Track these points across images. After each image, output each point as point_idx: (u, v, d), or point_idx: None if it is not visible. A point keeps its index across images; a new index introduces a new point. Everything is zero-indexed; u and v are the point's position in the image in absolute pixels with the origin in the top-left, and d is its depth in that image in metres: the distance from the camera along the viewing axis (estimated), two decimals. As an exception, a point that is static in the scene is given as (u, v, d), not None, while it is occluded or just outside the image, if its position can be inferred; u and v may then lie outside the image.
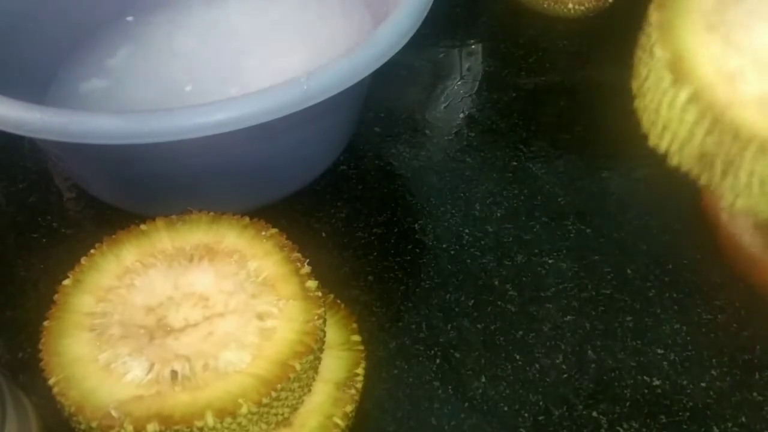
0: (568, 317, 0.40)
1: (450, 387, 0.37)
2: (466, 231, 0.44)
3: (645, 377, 0.37)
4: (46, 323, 0.30)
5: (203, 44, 0.50)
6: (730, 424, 0.36)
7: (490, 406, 0.36)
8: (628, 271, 0.42)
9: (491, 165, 0.48)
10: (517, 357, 0.38)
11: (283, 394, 0.29)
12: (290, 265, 0.32)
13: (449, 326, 0.39)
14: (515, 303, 0.40)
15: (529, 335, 0.39)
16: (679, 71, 0.26)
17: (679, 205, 0.44)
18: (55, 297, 0.31)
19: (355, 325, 0.35)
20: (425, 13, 0.38)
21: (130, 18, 0.50)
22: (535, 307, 0.40)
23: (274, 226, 0.33)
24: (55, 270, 0.33)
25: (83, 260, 0.32)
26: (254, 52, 0.49)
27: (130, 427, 0.27)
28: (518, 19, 0.57)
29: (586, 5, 0.55)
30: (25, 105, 0.34)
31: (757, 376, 0.37)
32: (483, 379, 0.37)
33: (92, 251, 0.33)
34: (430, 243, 0.43)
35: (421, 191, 0.46)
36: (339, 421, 0.32)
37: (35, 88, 0.45)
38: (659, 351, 0.38)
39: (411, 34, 0.37)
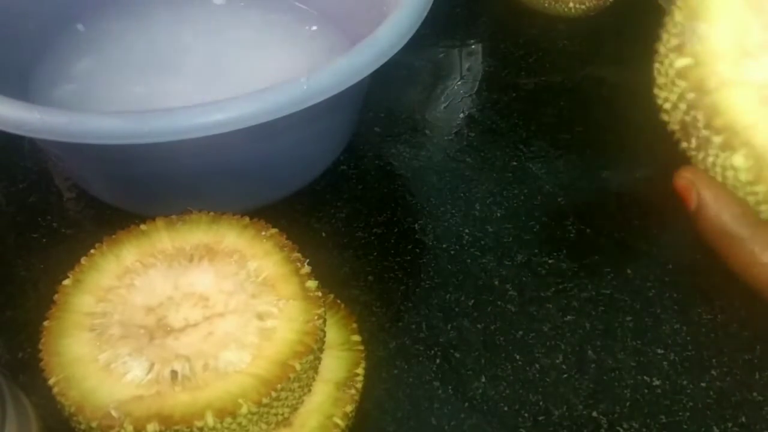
0: (568, 317, 0.40)
1: (450, 387, 0.37)
2: (466, 231, 0.44)
3: (645, 377, 0.37)
4: (46, 323, 0.30)
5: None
6: (730, 424, 0.36)
7: (490, 406, 0.36)
8: (628, 271, 0.42)
9: (491, 165, 0.48)
10: (517, 357, 0.38)
11: (283, 394, 0.29)
12: (290, 265, 0.32)
13: (449, 326, 0.39)
14: (515, 303, 0.40)
15: (529, 335, 0.39)
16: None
17: (679, 205, 0.44)
18: (55, 297, 0.31)
19: (355, 325, 0.35)
20: (425, 13, 0.38)
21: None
22: (535, 307, 0.40)
23: (274, 226, 0.33)
24: (55, 270, 0.33)
25: (83, 260, 0.32)
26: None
27: (130, 427, 0.27)
28: (518, 19, 0.57)
29: (587, 5, 0.55)
30: (25, 105, 0.33)
31: (757, 376, 0.37)
32: (483, 379, 0.37)
33: (92, 251, 0.33)
34: (430, 243, 0.43)
35: (421, 191, 0.46)
36: (339, 421, 0.32)
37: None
38: (659, 351, 0.38)
39: (411, 34, 0.37)
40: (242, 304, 0.31)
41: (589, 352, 0.38)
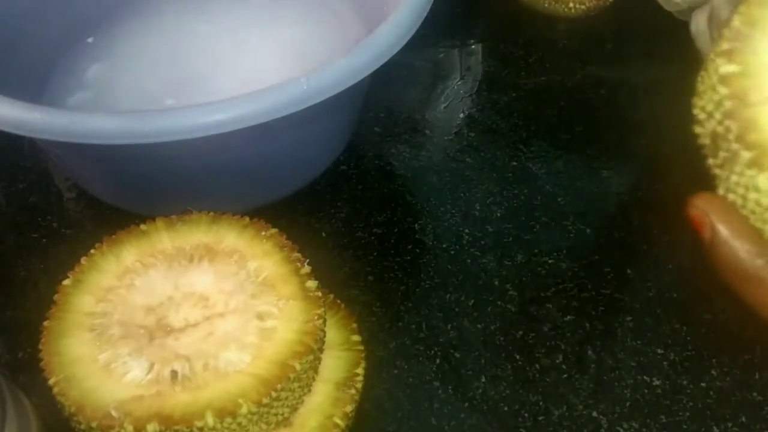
0: (568, 317, 0.40)
1: (450, 387, 0.37)
2: (466, 231, 0.44)
3: (645, 377, 0.37)
4: (46, 323, 0.30)
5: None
6: (730, 424, 0.36)
7: (490, 406, 0.36)
8: (628, 271, 0.42)
9: (491, 165, 0.48)
10: (517, 357, 0.38)
11: (283, 394, 0.29)
12: (290, 265, 0.32)
13: (449, 326, 0.39)
14: (515, 303, 0.40)
15: (529, 335, 0.39)
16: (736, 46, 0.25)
17: (679, 206, 0.44)
18: (55, 297, 0.31)
19: (355, 325, 0.35)
20: (425, 13, 0.38)
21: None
22: (535, 307, 0.40)
23: (274, 226, 0.33)
24: (55, 270, 0.33)
25: (83, 260, 0.32)
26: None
27: (130, 427, 0.27)
28: (518, 19, 0.57)
29: (587, 4, 0.55)
30: (26, 105, 0.34)
31: (757, 376, 0.37)
32: (483, 379, 0.37)
33: (92, 251, 0.33)
34: (430, 243, 0.43)
35: (421, 191, 0.46)
36: (339, 421, 0.32)
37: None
38: (659, 351, 0.38)
39: (411, 34, 0.37)
40: (242, 304, 0.31)
41: (589, 352, 0.38)
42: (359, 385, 0.33)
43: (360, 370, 0.34)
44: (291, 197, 0.44)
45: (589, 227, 0.44)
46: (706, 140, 0.26)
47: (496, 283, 0.41)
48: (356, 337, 0.35)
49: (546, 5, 0.56)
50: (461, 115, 0.51)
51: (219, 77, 0.47)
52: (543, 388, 0.37)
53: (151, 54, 0.49)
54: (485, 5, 0.59)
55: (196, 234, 0.33)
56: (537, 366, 0.38)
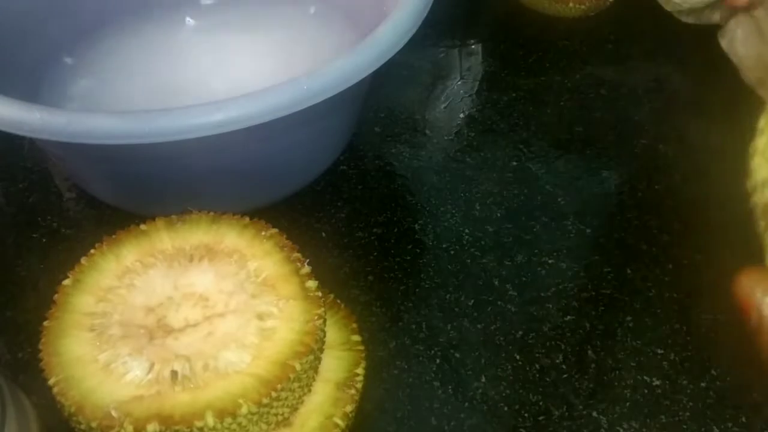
0: (568, 317, 0.40)
1: (450, 387, 0.37)
2: (466, 231, 0.44)
3: (645, 377, 0.37)
4: (46, 323, 0.30)
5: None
6: (730, 424, 0.36)
7: (490, 406, 0.36)
8: (628, 271, 0.42)
9: (491, 165, 0.48)
10: (517, 357, 0.38)
11: (283, 394, 0.29)
12: (290, 265, 0.32)
13: (449, 326, 0.39)
14: (515, 303, 0.40)
15: (529, 335, 0.39)
16: None
17: (680, 206, 0.44)
18: (55, 297, 0.31)
19: (355, 325, 0.35)
20: (425, 13, 0.38)
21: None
22: (535, 307, 0.40)
23: (274, 226, 0.33)
24: (55, 270, 0.33)
25: (83, 260, 0.32)
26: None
27: (130, 427, 0.27)
28: (518, 19, 0.57)
29: (587, 4, 0.55)
30: (25, 105, 0.34)
31: (757, 377, 0.37)
32: (483, 379, 0.37)
33: (92, 251, 0.33)
34: (430, 243, 0.43)
35: (421, 191, 0.46)
36: (339, 421, 0.32)
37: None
38: (659, 351, 0.38)
39: (411, 34, 0.37)
40: (242, 304, 0.31)
41: (589, 352, 0.38)
42: (359, 385, 0.33)
43: (360, 370, 0.34)
44: (291, 197, 0.44)
45: (589, 227, 0.44)
46: (757, 206, 0.24)
47: (496, 283, 0.41)
48: (356, 337, 0.35)
49: (546, 5, 0.56)
50: (461, 115, 0.51)
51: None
52: (543, 388, 0.37)
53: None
54: (485, 5, 0.59)
55: (196, 234, 0.33)
56: (537, 366, 0.38)
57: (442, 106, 0.52)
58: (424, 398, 0.37)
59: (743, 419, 0.36)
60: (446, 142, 0.49)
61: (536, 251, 0.43)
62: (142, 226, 0.33)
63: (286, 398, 0.29)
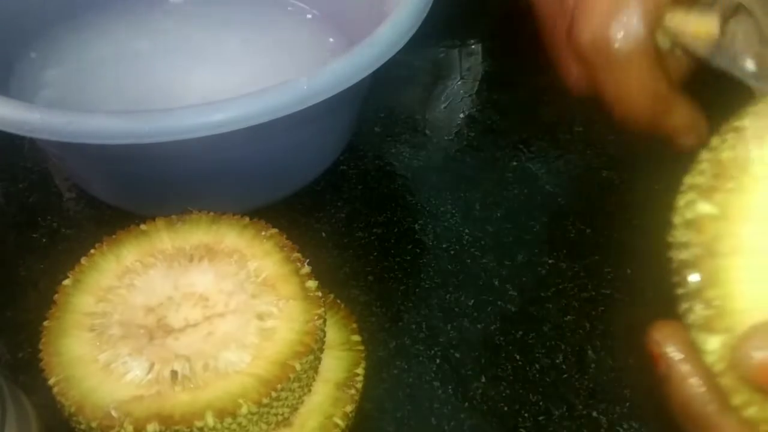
0: (568, 317, 0.40)
1: (450, 387, 0.37)
2: (466, 231, 0.44)
3: (645, 377, 0.37)
4: (46, 323, 0.30)
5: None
6: (730, 424, 0.36)
7: (490, 406, 0.36)
8: (628, 271, 0.42)
9: (491, 165, 0.48)
10: (517, 357, 0.38)
11: (283, 394, 0.29)
12: (290, 265, 0.32)
13: (449, 326, 0.39)
14: (515, 303, 0.40)
15: (529, 335, 0.39)
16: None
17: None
18: (55, 297, 0.31)
19: (355, 325, 0.35)
20: (425, 13, 0.38)
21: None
22: (535, 307, 0.40)
23: (274, 226, 0.33)
24: (55, 270, 0.33)
25: (83, 260, 0.32)
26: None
27: (130, 427, 0.27)
28: (518, 19, 0.57)
29: (586, 5, 0.55)
30: (26, 105, 0.34)
31: (757, 376, 0.37)
32: (483, 379, 0.37)
33: (92, 251, 0.33)
34: (430, 243, 0.43)
35: (421, 191, 0.46)
36: (339, 421, 0.32)
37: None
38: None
39: (411, 34, 0.37)
40: (242, 304, 0.31)
41: (589, 352, 0.38)
42: (359, 385, 0.33)
43: (360, 370, 0.34)
44: (291, 197, 0.44)
45: (589, 227, 0.44)
46: (674, 264, 0.25)
47: (496, 283, 0.41)
48: (356, 337, 0.35)
49: (546, 5, 0.56)
50: (461, 115, 0.51)
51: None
52: (543, 388, 0.37)
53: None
54: (485, 5, 0.59)
55: (196, 234, 0.33)
56: (537, 366, 0.38)
57: (442, 106, 0.52)
58: (424, 398, 0.37)
59: (743, 419, 0.36)
60: (446, 142, 0.49)
61: (536, 251, 0.43)
62: (142, 226, 0.33)
63: (286, 398, 0.29)
